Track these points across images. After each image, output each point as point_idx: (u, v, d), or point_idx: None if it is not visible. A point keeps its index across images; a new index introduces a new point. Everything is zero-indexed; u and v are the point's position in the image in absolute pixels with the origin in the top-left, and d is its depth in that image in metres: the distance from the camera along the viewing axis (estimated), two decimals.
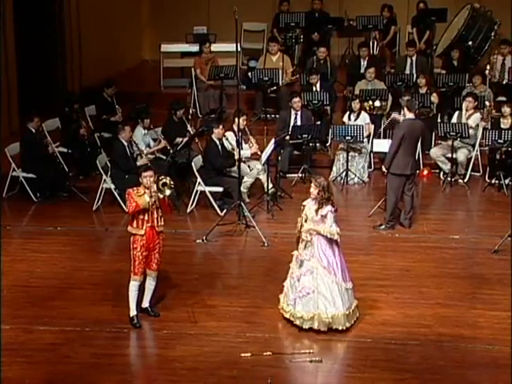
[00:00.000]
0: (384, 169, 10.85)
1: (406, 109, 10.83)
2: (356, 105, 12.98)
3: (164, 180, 7.99)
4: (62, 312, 8.50)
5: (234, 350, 7.75)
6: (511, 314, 8.31)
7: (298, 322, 8.10)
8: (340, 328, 8.02)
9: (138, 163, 11.59)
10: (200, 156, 11.84)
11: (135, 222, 8.10)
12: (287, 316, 8.21)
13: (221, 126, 11.61)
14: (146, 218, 8.07)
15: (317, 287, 8.00)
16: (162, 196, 7.97)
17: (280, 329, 8.16)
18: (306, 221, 8.05)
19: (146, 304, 8.39)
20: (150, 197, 7.95)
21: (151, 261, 8.20)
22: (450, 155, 12.71)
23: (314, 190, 8.03)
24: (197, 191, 11.52)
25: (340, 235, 8.01)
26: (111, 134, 12.80)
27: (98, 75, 14.94)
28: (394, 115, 12.89)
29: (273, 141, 11.54)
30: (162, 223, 8.20)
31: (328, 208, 7.95)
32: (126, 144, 11.61)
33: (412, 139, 10.61)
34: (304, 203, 8.20)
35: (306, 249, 8.07)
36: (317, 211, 7.97)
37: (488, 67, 14.79)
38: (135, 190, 8.06)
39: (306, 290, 8.03)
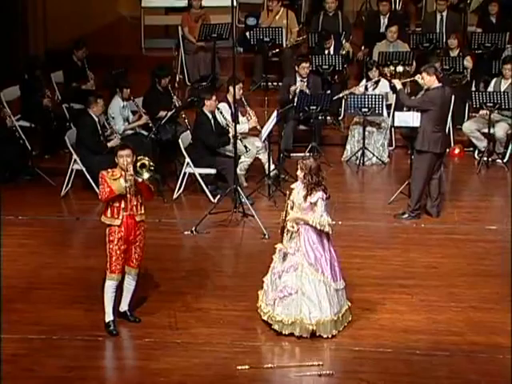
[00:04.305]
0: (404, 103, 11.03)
1: (425, 74, 10.54)
2: (374, 73, 12.99)
3: (142, 161, 7.94)
4: (25, 317, 8.54)
5: (228, 361, 7.78)
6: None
7: (276, 327, 8.13)
8: (325, 336, 8.05)
9: (110, 144, 11.61)
10: (188, 132, 11.88)
11: (110, 210, 8.09)
12: (265, 318, 8.25)
13: (213, 97, 11.64)
14: (123, 205, 8.06)
15: (301, 287, 8.00)
16: (139, 180, 7.97)
17: (283, 337, 8.17)
18: (292, 208, 8.04)
19: (124, 307, 8.43)
20: (126, 181, 7.96)
21: (131, 256, 8.22)
22: (486, 130, 12.77)
23: (300, 173, 8.01)
24: (185, 173, 11.57)
25: (332, 227, 7.98)
26: (82, 105, 12.84)
27: (66, 35, 14.95)
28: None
29: (275, 113, 11.57)
30: (143, 211, 8.19)
31: (318, 194, 7.89)
32: (96, 120, 11.63)
33: (444, 111, 10.64)
34: (292, 186, 8.19)
35: (291, 241, 8.08)
36: (305, 197, 7.94)
37: None
38: (110, 173, 8.05)
39: (287, 290, 8.04)
